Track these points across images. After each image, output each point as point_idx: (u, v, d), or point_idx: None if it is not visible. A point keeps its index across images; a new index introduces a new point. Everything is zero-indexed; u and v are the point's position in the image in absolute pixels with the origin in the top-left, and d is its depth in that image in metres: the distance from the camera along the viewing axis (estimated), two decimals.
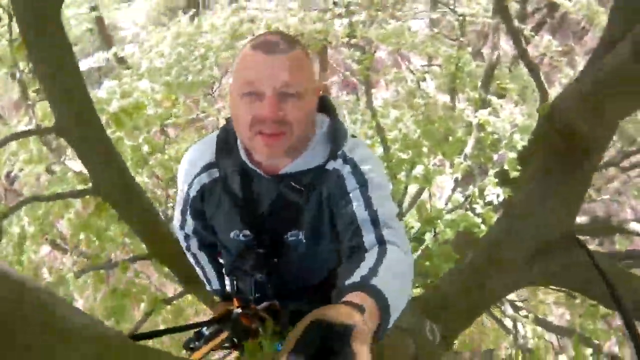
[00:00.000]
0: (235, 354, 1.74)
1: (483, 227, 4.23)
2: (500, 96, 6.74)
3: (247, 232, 1.57)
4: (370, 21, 6.88)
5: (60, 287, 3.12)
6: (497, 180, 4.44)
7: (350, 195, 1.38)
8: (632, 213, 9.83)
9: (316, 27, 6.38)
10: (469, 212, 4.50)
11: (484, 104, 5.48)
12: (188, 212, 1.66)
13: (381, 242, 1.28)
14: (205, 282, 1.96)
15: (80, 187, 3.69)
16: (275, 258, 1.60)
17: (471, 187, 5.37)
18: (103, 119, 3.45)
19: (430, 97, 6.83)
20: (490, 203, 4.37)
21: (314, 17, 6.47)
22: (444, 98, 7.60)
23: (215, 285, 1.92)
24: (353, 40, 7.04)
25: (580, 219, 4.42)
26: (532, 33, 6.12)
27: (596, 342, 4.18)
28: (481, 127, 5.14)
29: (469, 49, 6.99)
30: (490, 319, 6.06)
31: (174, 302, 4.10)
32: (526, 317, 5.23)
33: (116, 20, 12.74)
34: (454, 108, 6.67)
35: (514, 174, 4.34)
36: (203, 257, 1.88)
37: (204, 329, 1.58)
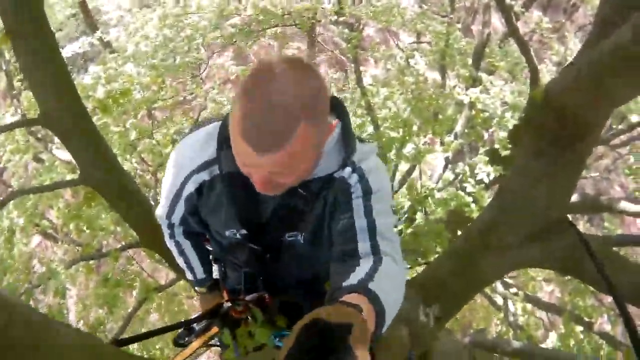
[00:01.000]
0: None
1: (474, 206, 4.25)
2: (490, 73, 6.72)
3: (245, 232, 1.54)
4: None
5: (50, 279, 3.10)
6: (487, 158, 4.45)
7: (353, 202, 1.36)
8: (622, 191, 9.92)
9: (304, 5, 6.30)
10: (460, 191, 4.52)
11: (474, 81, 5.45)
12: (179, 205, 1.57)
13: (376, 252, 1.27)
14: (187, 271, 1.87)
15: (69, 176, 3.66)
16: (270, 255, 1.57)
17: (460, 164, 5.39)
18: (89, 106, 3.40)
19: (420, 75, 6.80)
20: (481, 181, 4.39)
21: None
22: (434, 76, 7.57)
23: (200, 274, 1.86)
24: (341, 18, 6.97)
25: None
26: (523, 9, 6.08)
27: (587, 319, 4.23)
28: (472, 105, 5.13)
29: (459, 26, 6.93)
30: (480, 296, 6.13)
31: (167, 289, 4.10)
32: (516, 294, 5.28)
33: (100, 3, 12.52)
34: (444, 86, 6.65)
35: (505, 152, 4.36)
36: (188, 246, 1.80)
37: (195, 324, 1.57)
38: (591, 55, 1.36)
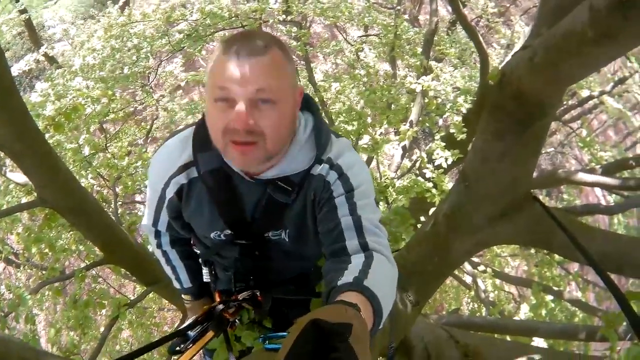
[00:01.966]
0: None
1: (435, 191, 4.32)
2: (439, 60, 6.84)
3: (228, 232, 1.52)
4: None
5: (20, 307, 3.00)
6: (444, 144, 4.53)
7: (336, 200, 1.35)
8: (576, 163, 10.24)
9: (251, 6, 6.26)
10: (419, 178, 4.58)
11: (425, 70, 5.54)
12: (163, 211, 1.57)
13: (365, 248, 1.27)
14: (174, 281, 1.87)
15: (25, 199, 3.55)
16: (257, 252, 1.56)
17: (416, 151, 5.47)
18: (40, 124, 3.30)
19: (370, 67, 6.87)
20: (439, 167, 4.45)
21: None
22: (385, 67, 7.65)
23: (187, 284, 1.85)
24: (289, 17, 6.97)
25: None
26: None
27: (556, 288, 4.36)
28: (424, 92, 5.20)
29: (406, 17, 7.03)
30: (449, 277, 6.24)
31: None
32: (484, 271, 5.40)
33: (43, 19, 12.15)
34: (395, 76, 6.73)
35: (461, 136, 4.45)
36: (174, 255, 1.79)
37: (189, 331, 1.54)
38: (545, 38, 1.41)
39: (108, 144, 4.89)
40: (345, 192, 1.34)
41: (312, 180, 1.39)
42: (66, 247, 3.82)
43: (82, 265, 3.69)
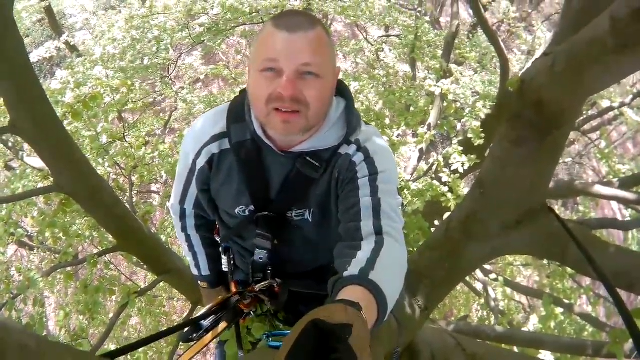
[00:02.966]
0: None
1: (450, 195, 4.29)
2: (460, 64, 6.79)
3: (253, 208, 1.54)
4: None
5: (30, 289, 3.04)
6: (462, 148, 4.50)
7: (359, 181, 1.38)
8: (594, 175, 10.11)
9: (272, 2, 6.27)
10: (435, 181, 4.56)
11: (445, 73, 5.50)
12: (192, 185, 1.61)
13: (379, 232, 1.28)
14: (193, 267, 1.89)
15: (41, 184, 3.58)
16: (279, 237, 1.58)
17: (434, 154, 5.44)
18: (59, 111, 3.33)
19: (390, 68, 6.84)
20: (455, 171, 4.42)
21: None
22: (404, 68, 7.62)
23: (205, 271, 1.88)
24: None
25: None
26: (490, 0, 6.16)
27: (567, 301, 4.31)
28: (443, 96, 5.17)
29: (427, 18, 6.99)
30: (460, 283, 6.20)
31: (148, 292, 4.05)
32: (496, 280, 5.36)
33: (65, 7, 12.26)
34: (414, 78, 6.70)
35: (479, 142, 4.42)
36: (197, 241, 1.82)
37: (203, 320, 1.54)
38: (566, 46, 1.39)
39: (126, 133, 4.92)
40: (370, 174, 1.38)
41: (339, 159, 1.43)
42: (80, 232, 3.85)
43: (95, 251, 3.72)
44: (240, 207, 1.55)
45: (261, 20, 6.25)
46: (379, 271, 1.12)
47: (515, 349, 3.17)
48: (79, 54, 6.74)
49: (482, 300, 5.57)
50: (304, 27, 1.26)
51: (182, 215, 1.76)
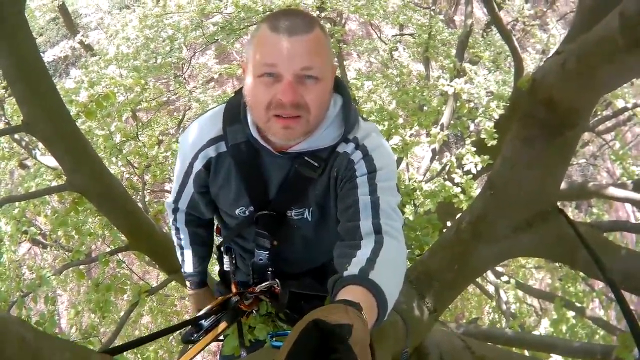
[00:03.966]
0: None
1: (463, 196, 4.26)
2: (474, 63, 6.74)
3: (252, 209, 1.54)
4: None
5: (42, 287, 3.07)
6: (475, 149, 4.46)
7: (357, 180, 1.37)
8: (608, 177, 10.00)
9: (285, 1, 6.28)
10: (448, 182, 4.53)
11: (458, 72, 5.47)
12: (188, 186, 1.60)
13: (378, 231, 1.27)
14: (180, 262, 1.88)
15: (54, 182, 3.61)
16: (278, 237, 1.57)
17: (447, 154, 5.40)
18: (73, 110, 3.36)
19: (403, 67, 6.81)
20: (468, 172, 4.39)
21: None
22: (418, 67, 7.59)
23: (189, 268, 1.87)
24: (323, 13, 6.96)
25: None
26: None
27: (579, 305, 4.26)
28: (457, 95, 5.14)
29: (441, 17, 6.95)
30: (472, 285, 6.16)
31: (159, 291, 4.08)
32: (507, 282, 5.31)
33: (79, 6, 12.37)
34: (428, 77, 6.67)
35: (492, 142, 4.38)
36: (185, 235, 1.81)
37: (203, 320, 1.54)
38: (578, 44, 1.36)
39: (139, 133, 4.96)
40: (368, 172, 1.36)
41: (337, 158, 1.42)
42: (92, 231, 3.89)
43: (107, 250, 3.75)
44: (240, 208, 1.55)
45: None
46: (378, 271, 1.12)
47: (526, 352, 3.15)
48: (94, 53, 6.79)
49: (494, 303, 5.54)
50: (302, 29, 1.23)
51: (175, 211, 1.75)
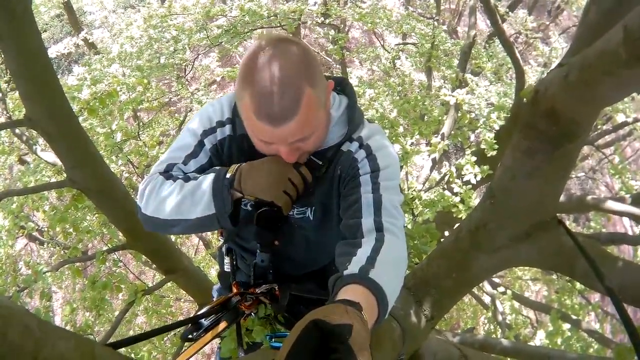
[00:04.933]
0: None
1: (461, 206, 4.27)
2: (476, 74, 6.77)
3: (253, 202, 1.49)
4: (344, 0, 6.82)
5: (37, 282, 3.06)
6: (475, 159, 4.47)
7: (361, 178, 1.38)
8: (607, 191, 10.02)
9: (290, 7, 6.30)
10: (447, 192, 4.53)
11: (460, 82, 5.49)
12: (201, 155, 1.47)
13: (379, 228, 1.28)
14: (194, 187, 1.42)
15: (54, 178, 3.61)
16: (279, 237, 1.56)
17: (446, 164, 5.42)
18: (75, 107, 3.37)
19: (406, 76, 6.84)
20: (468, 182, 4.40)
21: None
22: (420, 77, 7.61)
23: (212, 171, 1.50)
24: (327, 20, 6.99)
25: None
26: (507, 10, 6.14)
27: (574, 317, 4.27)
28: (458, 106, 5.16)
29: (444, 27, 6.98)
30: (468, 295, 6.16)
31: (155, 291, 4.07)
32: (504, 293, 5.32)
33: (84, 4, 12.40)
34: (430, 87, 6.69)
35: (492, 153, 4.39)
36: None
37: (203, 319, 1.54)
38: (580, 57, 1.37)
39: (140, 132, 4.96)
40: (371, 171, 1.37)
41: (342, 157, 1.42)
42: (90, 228, 3.89)
43: (105, 248, 3.75)
44: (244, 200, 1.50)
45: (279, 24, 6.27)
46: (379, 269, 1.12)
47: None
48: (97, 51, 6.81)
49: (490, 314, 5.54)
50: (289, 115, 1.17)
51: (167, 171, 1.50)
